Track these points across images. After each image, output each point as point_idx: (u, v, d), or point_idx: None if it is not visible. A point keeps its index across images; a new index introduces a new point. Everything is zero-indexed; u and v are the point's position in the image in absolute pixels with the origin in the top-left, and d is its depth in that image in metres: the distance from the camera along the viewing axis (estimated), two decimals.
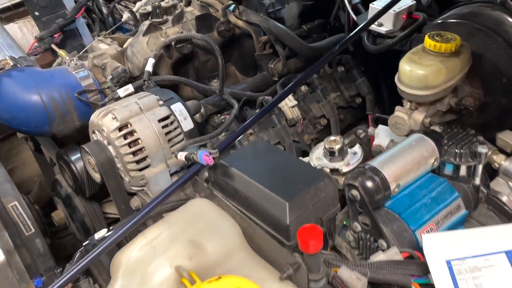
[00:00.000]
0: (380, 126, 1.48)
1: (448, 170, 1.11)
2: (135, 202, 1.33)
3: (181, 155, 1.05)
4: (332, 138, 1.02)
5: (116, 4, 2.66)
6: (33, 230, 1.32)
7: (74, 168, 1.50)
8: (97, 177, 1.35)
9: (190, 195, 1.40)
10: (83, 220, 1.68)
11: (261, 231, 0.88)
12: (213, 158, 0.95)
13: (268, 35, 1.72)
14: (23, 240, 1.30)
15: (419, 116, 1.28)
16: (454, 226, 1.08)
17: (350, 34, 1.34)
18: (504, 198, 1.19)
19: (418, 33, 1.53)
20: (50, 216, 1.82)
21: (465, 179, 1.11)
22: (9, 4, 2.09)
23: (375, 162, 1.03)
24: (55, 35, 2.07)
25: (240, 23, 1.74)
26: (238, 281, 0.75)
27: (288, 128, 1.63)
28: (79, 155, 1.52)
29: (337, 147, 1.00)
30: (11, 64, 1.44)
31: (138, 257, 0.81)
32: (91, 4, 2.37)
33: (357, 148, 1.03)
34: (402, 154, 1.05)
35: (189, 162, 1.41)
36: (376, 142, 1.44)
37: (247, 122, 1.17)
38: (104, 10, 2.65)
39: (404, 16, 1.61)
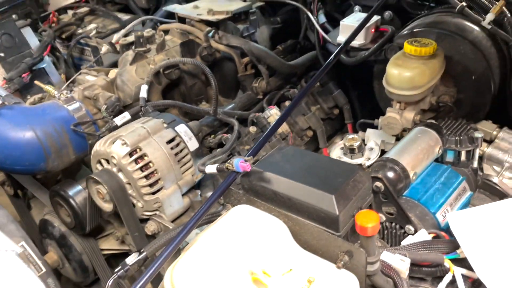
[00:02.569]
0: (369, 130, 1.59)
1: (450, 157, 1.23)
2: (150, 227, 1.31)
3: (211, 168, 1.06)
4: (350, 136, 1.10)
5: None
6: (44, 269, 1.25)
7: (74, 203, 1.45)
8: (107, 206, 1.32)
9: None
10: (80, 259, 1.61)
11: (311, 226, 0.92)
12: (250, 164, 0.98)
13: (250, 56, 1.80)
14: None
15: (409, 114, 1.40)
16: (463, 207, 1.18)
17: (338, 48, 1.45)
18: (495, 180, 1.32)
19: (390, 43, 1.67)
20: None
21: (465, 164, 1.23)
22: None
23: (391, 154, 1.11)
24: (24, 75, 2.01)
25: (221, 47, 1.80)
26: (309, 271, 0.78)
27: (281, 141, 1.69)
28: (76, 189, 1.49)
29: (356, 144, 1.08)
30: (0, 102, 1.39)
31: (203, 267, 0.82)
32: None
33: (372, 144, 1.12)
34: (412, 145, 1.15)
35: (196, 182, 1.44)
36: (369, 145, 1.54)
37: (277, 120, 1.21)
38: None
39: (372, 30, 1.76)
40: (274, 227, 0.92)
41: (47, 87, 1.53)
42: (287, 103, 1.85)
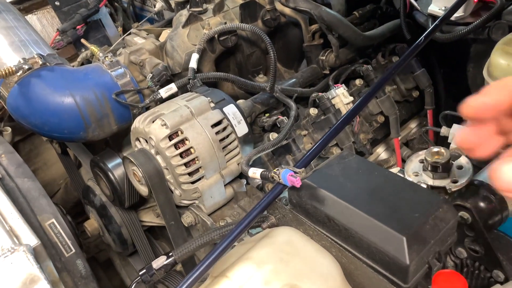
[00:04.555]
0: (455, 126, 1.31)
1: None
2: (187, 219, 1.18)
3: (254, 173, 0.89)
4: (435, 149, 0.86)
5: None
6: (73, 250, 1.18)
7: (112, 177, 1.35)
8: (143, 190, 1.20)
9: (245, 207, 1.26)
10: (120, 231, 1.54)
11: (368, 270, 0.72)
12: (300, 179, 0.79)
13: (319, 24, 1.54)
14: (63, 263, 1.15)
15: None
16: None
17: (436, 23, 1.17)
18: None
19: (496, 20, 1.34)
20: (82, 225, 1.69)
21: None
22: None
23: (485, 177, 0.86)
24: (78, 27, 1.91)
25: (287, 10, 1.56)
26: None
27: (346, 128, 1.46)
28: (116, 161, 1.38)
29: (442, 161, 0.84)
30: (40, 62, 1.28)
31: None
32: None
33: (462, 160, 0.87)
34: None
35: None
36: (453, 145, 1.27)
37: (347, 113, 0.98)
38: None
39: (475, 0, 1.42)
40: (325, 264, 0.74)
41: (93, 47, 1.40)
42: (358, 81, 1.59)
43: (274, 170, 0.82)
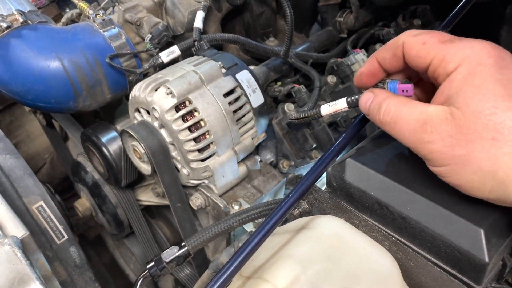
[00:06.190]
0: None
1: None
2: (197, 201, 1.04)
3: (333, 105, 0.70)
4: None
5: None
6: (65, 236, 1.04)
7: (107, 153, 1.20)
8: (145, 168, 1.05)
9: (259, 187, 1.13)
10: (115, 212, 1.40)
11: (434, 268, 0.60)
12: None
13: None
14: (55, 251, 1.01)
15: None
16: None
17: None
18: None
19: None
20: (71, 202, 1.55)
21: None
22: None
23: None
24: None
25: None
26: None
27: None
28: (111, 135, 1.22)
29: None
30: (21, 20, 1.09)
31: None
32: None
33: None
34: None
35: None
36: None
37: None
38: None
39: None
40: (382, 262, 0.61)
41: (81, 4, 1.22)
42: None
43: (381, 84, 0.64)
